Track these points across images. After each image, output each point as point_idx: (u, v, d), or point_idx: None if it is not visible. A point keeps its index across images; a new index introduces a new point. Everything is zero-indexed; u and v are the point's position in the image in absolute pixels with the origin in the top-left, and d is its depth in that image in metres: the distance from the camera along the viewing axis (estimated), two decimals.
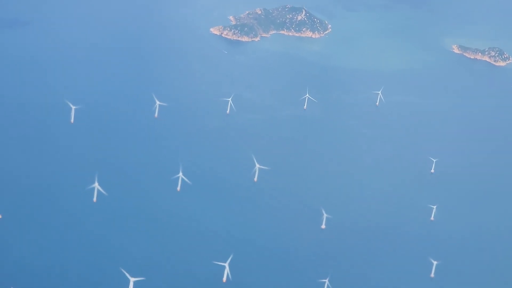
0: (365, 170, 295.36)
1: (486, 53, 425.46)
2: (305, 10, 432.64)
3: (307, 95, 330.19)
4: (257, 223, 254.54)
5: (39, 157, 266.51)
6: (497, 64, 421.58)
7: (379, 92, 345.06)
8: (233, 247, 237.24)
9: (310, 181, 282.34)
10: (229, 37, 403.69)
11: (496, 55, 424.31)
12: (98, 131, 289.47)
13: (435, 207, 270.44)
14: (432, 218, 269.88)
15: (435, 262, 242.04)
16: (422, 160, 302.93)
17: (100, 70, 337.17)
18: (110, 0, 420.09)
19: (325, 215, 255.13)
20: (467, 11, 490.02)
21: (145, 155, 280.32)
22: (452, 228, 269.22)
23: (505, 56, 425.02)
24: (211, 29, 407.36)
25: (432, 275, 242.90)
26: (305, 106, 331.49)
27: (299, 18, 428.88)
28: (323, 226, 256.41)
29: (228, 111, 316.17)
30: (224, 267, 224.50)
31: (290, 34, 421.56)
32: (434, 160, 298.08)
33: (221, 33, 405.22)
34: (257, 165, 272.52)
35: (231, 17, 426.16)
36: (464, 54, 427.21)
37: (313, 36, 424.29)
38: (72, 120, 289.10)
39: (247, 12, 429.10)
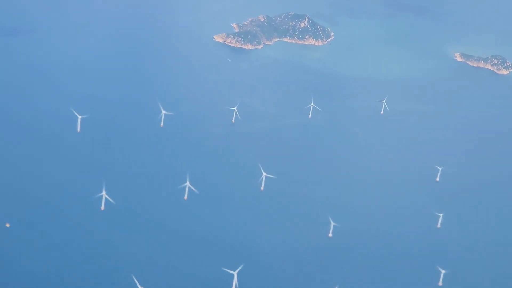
0: (371, 178, 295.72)
1: (489, 61, 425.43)
2: (308, 18, 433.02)
3: (312, 104, 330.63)
4: (264, 232, 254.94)
5: (46, 167, 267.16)
6: (499, 72, 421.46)
7: (384, 101, 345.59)
8: (240, 255, 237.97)
9: (317, 190, 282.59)
10: (232, 44, 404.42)
11: (499, 63, 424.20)
12: (105, 140, 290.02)
13: (441, 215, 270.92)
14: (438, 226, 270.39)
15: (443, 271, 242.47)
16: (427, 168, 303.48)
17: (105, 79, 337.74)
18: (115, 9, 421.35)
19: (332, 223, 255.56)
20: (470, 19, 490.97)
21: (152, 164, 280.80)
22: (459, 237, 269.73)
23: (508, 64, 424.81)
24: (215, 37, 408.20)
25: (440, 283, 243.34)
26: (310, 115, 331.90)
27: (302, 25, 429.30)
28: (330, 235, 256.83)
29: (233, 120, 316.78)
30: (232, 275, 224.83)
31: (293, 41, 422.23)
32: (440, 168, 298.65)
33: (225, 41, 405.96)
34: (264, 174, 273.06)
35: (234, 25, 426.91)
36: (466, 62, 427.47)
37: (316, 44, 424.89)
38: (78, 130, 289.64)
39: (250, 19, 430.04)
